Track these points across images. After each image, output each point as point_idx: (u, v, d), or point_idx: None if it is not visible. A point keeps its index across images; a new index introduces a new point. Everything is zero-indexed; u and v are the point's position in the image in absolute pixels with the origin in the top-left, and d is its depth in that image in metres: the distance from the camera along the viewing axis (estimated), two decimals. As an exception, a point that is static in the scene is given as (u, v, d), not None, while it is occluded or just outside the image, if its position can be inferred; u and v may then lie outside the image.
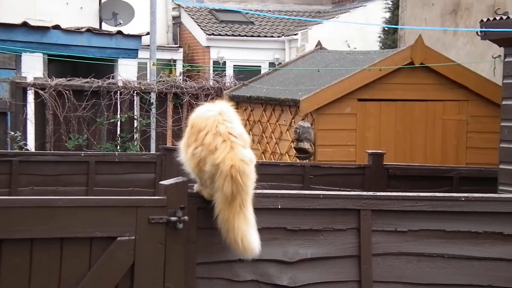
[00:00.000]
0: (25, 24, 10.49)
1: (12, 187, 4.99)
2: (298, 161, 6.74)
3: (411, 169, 5.58)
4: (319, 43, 9.28)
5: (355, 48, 13.30)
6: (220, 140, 2.72)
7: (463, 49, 8.79)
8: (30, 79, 9.25)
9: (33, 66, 10.31)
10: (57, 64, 10.83)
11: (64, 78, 9.38)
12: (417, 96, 7.09)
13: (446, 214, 3.05)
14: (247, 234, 2.71)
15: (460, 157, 7.08)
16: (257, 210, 2.84)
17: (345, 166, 5.74)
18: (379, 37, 14.24)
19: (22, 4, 12.68)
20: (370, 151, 5.72)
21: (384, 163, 5.51)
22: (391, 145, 6.83)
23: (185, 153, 2.84)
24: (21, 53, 9.98)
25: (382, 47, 13.46)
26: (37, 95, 9.16)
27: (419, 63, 7.01)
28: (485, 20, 5.81)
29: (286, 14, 18.09)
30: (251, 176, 2.75)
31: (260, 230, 2.87)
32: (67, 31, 10.99)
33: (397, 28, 11.10)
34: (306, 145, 6.58)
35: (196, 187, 2.88)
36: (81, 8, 13.62)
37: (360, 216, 2.99)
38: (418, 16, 10.06)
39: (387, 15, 13.78)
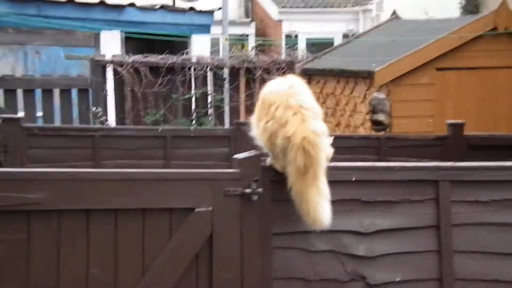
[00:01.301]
0: (102, 3, 10.78)
1: (95, 161, 5.20)
2: (373, 133, 6.67)
3: (492, 138, 5.40)
4: (394, 12, 9.07)
5: (433, 16, 12.90)
6: (291, 113, 2.73)
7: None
8: (108, 57, 9.54)
9: (111, 44, 10.60)
10: (134, 42, 11.10)
11: (140, 55, 9.62)
12: (500, 63, 6.84)
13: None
14: (319, 206, 2.73)
15: (545, 126, 6.82)
16: (332, 183, 2.85)
17: (422, 137, 5.63)
18: (460, 3, 13.74)
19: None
20: (449, 121, 5.58)
21: (463, 133, 5.37)
22: (472, 116, 6.63)
23: (256, 128, 2.88)
24: (99, 31, 10.27)
25: (464, 14, 12.99)
26: (115, 72, 9.44)
27: (504, 29, 6.74)
28: None
29: (360, -16, 17.75)
30: (323, 148, 2.75)
31: (335, 202, 2.88)
32: (142, 8, 11.22)
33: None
34: (381, 117, 6.50)
35: (268, 161, 2.92)
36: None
37: (438, 187, 2.96)
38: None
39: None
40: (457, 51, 6.78)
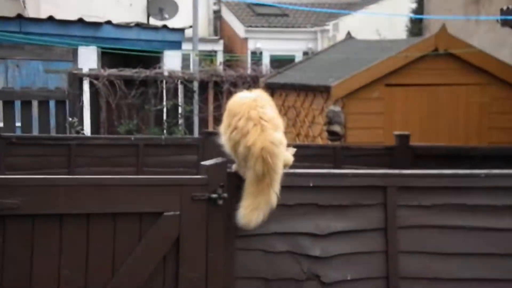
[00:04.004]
0: (80, 20, 10.65)
1: (70, 168, 5.10)
2: (329, 143, 6.71)
3: (435, 148, 5.49)
4: (349, 33, 9.17)
5: (384, 37, 13.11)
6: (252, 124, 2.73)
7: (484, 36, 8.58)
8: (85, 70, 9.41)
9: (88, 59, 10.47)
10: (110, 56, 10.97)
11: (115, 69, 9.51)
12: (442, 81, 6.97)
13: (468, 190, 3.01)
14: (256, 211, 2.72)
15: (482, 138, 6.95)
16: (291, 188, 2.85)
17: (373, 147, 5.68)
18: (406, 26, 13.98)
19: (78, 2, 12.86)
20: (396, 132, 5.65)
21: (409, 143, 5.44)
22: (417, 128, 6.74)
23: (223, 136, 2.87)
24: (77, 46, 10.14)
25: (410, 36, 13.23)
26: (92, 85, 9.32)
27: (444, 50, 6.88)
28: (505, 8, 5.66)
29: (318, 7, 17.89)
30: (280, 156, 2.76)
31: (294, 206, 2.89)
32: (118, 26, 11.11)
33: (422, 18, 10.90)
34: (336, 128, 6.55)
35: (234, 167, 2.91)
36: (131, 5, 13.74)
37: (386, 192, 2.97)
38: (442, 6, 9.85)
39: (414, 5, 13.51)
40: (404, 69, 6.89)
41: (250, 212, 2.74)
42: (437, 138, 6.79)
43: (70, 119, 8.96)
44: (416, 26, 12.96)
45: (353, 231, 2.97)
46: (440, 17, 8.89)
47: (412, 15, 13.37)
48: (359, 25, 15.14)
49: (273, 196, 2.76)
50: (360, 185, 3.00)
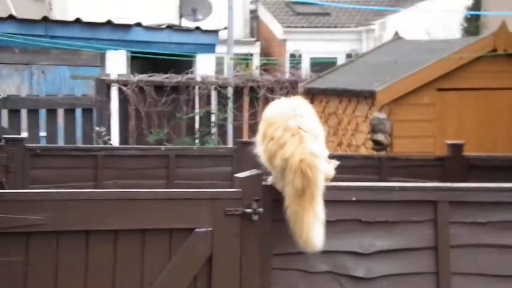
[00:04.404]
0: (109, 23, 10.87)
1: (97, 181, 5.18)
2: (374, 153, 6.66)
3: (492, 159, 5.39)
4: (396, 33, 9.11)
5: (435, 37, 12.93)
6: (289, 134, 2.74)
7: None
8: (114, 76, 9.59)
9: (117, 63, 10.67)
10: (139, 61, 11.17)
11: (145, 74, 9.66)
12: (499, 85, 6.85)
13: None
14: (312, 229, 2.71)
15: (545, 147, 6.80)
16: (331, 202, 2.84)
17: (422, 157, 5.62)
18: (461, 24, 13.78)
19: (106, 3, 13.13)
20: (449, 141, 5.57)
21: (463, 153, 5.36)
22: (472, 136, 6.62)
23: (259, 147, 2.88)
24: (105, 50, 10.34)
25: (464, 35, 13.03)
26: (120, 91, 9.48)
27: (503, 50, 6.76)
28: None
29: (363, 4, 17.82)
30: (321, 169, 2.75)
31: (335, 222, 2.88)
32: (149, 28, 11.30)
33: (479, 14, 10.73)
34: (380, 136, 6.50)
35: (270, 180, 2.92)
36: (162, 5, 13.96)
37: (437, 208, 2.94)
38: (502, 1, 9.67)
39: (469, 1, 13.31)
40: (458, 72, 6.79)
41: (308, 235, 2.71)
42: (494, 147, 6.67)
43: (98, 128, 9.13)
44: (472, 24, 12.76)
45: (400, 250, 2.94)
46: (500, 14, 8.72)
47: (467, 11, 13.17)
48: (408, 24, 15.00)
49: (319, 209, 2.74)
50: (407, 200, 2.97)
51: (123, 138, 9.51)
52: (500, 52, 6.75)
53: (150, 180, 5.27)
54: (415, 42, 8.60)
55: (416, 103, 6.75)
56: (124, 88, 9.44)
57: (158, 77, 9.69)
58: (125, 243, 2.74)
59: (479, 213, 2.96)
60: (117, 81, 9.48)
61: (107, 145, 8.26)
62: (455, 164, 5.16)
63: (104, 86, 9.44)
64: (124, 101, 9.52)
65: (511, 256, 2.95)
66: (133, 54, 10.79)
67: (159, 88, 9.59)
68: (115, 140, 9.46)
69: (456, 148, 5.26)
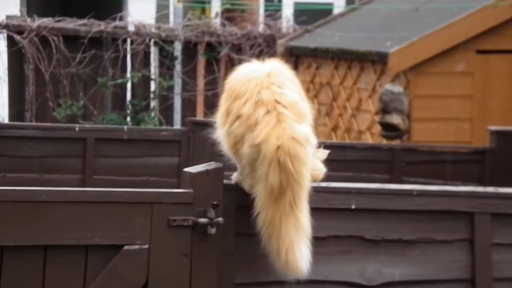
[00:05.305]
0: None
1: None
2: (384, 141, 6.72)
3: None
4: (419, -30, 9.18)
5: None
6: (263, 110, 2.74)
7: None
8: (0, 18, 9.44)
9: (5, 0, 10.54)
10: None
11: (51, 18, 9.55)
12: None
13: None
14: (294, 245, 2.73)
15: None
16: (320, 211, 2.86)
17: (453, 149, 5.69)
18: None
19: None
20: (493, 127, 5.65)
21: (514, 145, 5.46)
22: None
23: (220, 129, 2.89)
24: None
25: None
26: (11, 42, 9.35)
27: None
28: None
29: None
30: (307, 161, 2.75)
31: (325, 239, 2.91)
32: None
33: None
34: (395, 119, 6.56)
35: (234, 177, 2.93)
36: None
37: (474, 222, 2.99)
38: None
39: None
40: (507, 27, 6.87)
41: (289, 254, 2.72)
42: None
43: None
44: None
45: (420, 283, 2.98)
46: None
47: None
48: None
49: (303, 217, 2.75)
50: (431, 210, 3.00)
51: (17, 112, 9.41)
52: None
53: (56, 174, 5.25)
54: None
55: (446, 72, 6.83)
56: (17, 37, 9.31)
57: (71, 23, 9.61)
58: (16, 265, 2.71)
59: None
60: (5, 26, 9.35)
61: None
62: (501, 159, 5.24)
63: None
64: (17, 56, 9.41)
65: None
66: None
67: (71, 39, 9.52)
68: (3, 114, 9.35)
69: (504, 137, 5.34)
